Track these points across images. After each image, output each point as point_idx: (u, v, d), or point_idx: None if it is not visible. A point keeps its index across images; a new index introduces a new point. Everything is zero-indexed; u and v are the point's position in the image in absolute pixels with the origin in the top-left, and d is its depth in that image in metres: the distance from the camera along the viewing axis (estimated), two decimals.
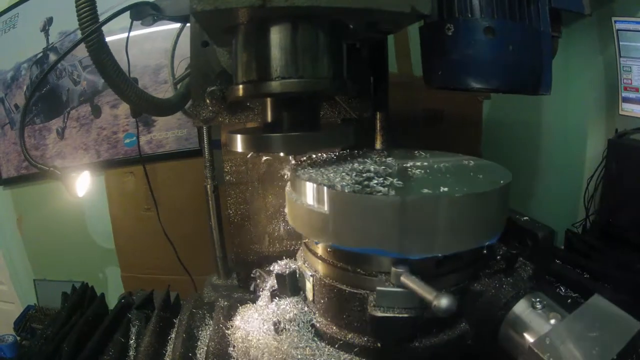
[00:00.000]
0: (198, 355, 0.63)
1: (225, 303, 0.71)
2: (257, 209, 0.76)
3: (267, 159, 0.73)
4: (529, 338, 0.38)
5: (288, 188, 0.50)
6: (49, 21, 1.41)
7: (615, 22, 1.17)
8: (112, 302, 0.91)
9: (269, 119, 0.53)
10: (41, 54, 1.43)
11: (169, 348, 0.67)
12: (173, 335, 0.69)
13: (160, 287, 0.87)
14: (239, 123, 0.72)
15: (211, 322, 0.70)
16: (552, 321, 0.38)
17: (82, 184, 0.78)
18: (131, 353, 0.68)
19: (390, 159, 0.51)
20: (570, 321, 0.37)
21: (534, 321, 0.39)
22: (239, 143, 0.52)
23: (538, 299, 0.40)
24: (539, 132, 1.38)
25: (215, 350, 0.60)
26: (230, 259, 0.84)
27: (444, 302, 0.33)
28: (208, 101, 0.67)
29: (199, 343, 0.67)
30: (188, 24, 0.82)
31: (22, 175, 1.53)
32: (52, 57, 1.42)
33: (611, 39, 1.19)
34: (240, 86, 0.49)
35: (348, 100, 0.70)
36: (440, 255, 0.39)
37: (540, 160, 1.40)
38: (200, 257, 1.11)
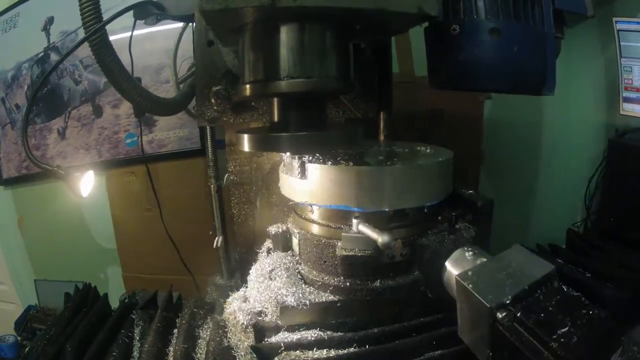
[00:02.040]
0: (199, 354, 0.64)
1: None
2: (261, 209, 0.76)
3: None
4: (456, 272, 0.47)
5: (281, 167, 0.61)
6: (50, 20, 1.40)
7: (616, 22, 1.17)
8: (113, 302, 0.91)
9: (276, 118, 0.53)
10: (42, 54, 1.43)
11: (172, 348, 0.67)
12: (175, 335, 0.69)
13: (162, 288, 0.87)
14: (243, 123, 0.72)
15: (212, 321, 0.71)
16: (478, 262, 0.47)
17: (86, 183, 0.77)
18: (135, 353, 0.68)
19: (370, 147, 0.64)
20: (492, 261, 0.45)
21: (464, 263, 0.48)
22: (246, 142, 0.52)
23: (470, 249, 0.49)
24: (540, 131, 1.39)
25: (216, 349, 0.60)
26: (234, 259, 0.84)
27: (385, 237, 0.45)
28: (213, 101, 0.67)
29: (199, 342, 0.67)
30: (190, 24, 0.82)
31: (23, 175, 1.52)
32: (53, 57, 1.41)
33: (612, 39, 1.19)
34: (248, 86, 0.49)
35: (353, 100, 0.70)
36: (387, 209, 0.51)
37: (541, 159, 1.40)
38: (201, 257, 1.11)
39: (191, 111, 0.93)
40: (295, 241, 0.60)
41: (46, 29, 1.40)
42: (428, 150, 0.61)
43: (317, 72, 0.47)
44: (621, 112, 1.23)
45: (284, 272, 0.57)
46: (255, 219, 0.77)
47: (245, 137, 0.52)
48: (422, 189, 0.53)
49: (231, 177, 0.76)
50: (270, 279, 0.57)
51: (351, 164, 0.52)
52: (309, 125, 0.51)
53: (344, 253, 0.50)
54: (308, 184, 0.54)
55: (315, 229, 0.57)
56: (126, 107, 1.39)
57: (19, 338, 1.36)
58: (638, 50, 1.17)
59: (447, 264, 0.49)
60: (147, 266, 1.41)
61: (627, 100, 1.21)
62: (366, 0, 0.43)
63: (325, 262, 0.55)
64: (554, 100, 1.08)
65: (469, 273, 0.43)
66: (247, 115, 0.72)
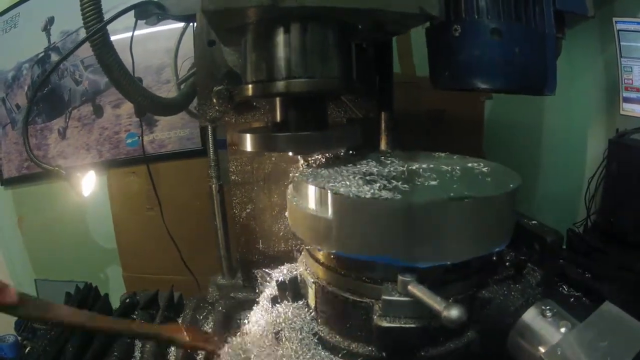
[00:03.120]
0: (200, 355, 0.64)
1: (227, 303, 0.71)
2: (263, 209, 0.76)
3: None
4: (540, 348, 0.37)
5: (289, 190, 0.48)
6: (51, 21, 1.40)
7: (616, 22, 1.18)
8: (113, 302, 0.91)
9: (278, 118, 0.53)
10: (42, 54, 1.43)
11: (173, 347, 0.67)
12: None
13: (162, 287, 0.87)
14: (245, 123, 0.72)
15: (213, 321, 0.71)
16: (563, 329, 0.37)
17: (88, 183, 0.78)
18: (136, 353, 0.68)
19: (395, 160, 0.50)
20: (581, 330, 0.36)
21: (544, 330, 0.38)
22: (248, 142, 0.52)
23: (548, 307, 0.39)
24: (541, 132, 1.39)
25: None
26: (235, 258, 0.84)
27: (454, 312, 0.32)
28: (215, 101, 0.67)
29: None
30: (191, 24, 0.82)
31: (23, 175, 1.52)
32: (54, 57, 1.41)
33: (612, 40, 1.20)
34: (250, 85, 0.49)
35: (354, 100, 0.70)
36: (448, 262, 0.37)
37: (541, 160, 1.41)
38: (203, 257, 1.11)
39: (192, 111, 0.93)
40: (310, 292, 0.46)
41: (47, 29, 1.40)
42: (484, 169, 0.46)
43: (319, 72, 0.46)
44: (621, 112, 1.23)
45: (295, 335, 0.45)
46: (256, 218, 0.77)
47: (247, 137, 0.52)
48: (496, 229, 0.39)
49: (232, 177, 0.76)
50: (277, 341, 0.46)
51: (396, 194, 0.36)
52: (311, 125, 0.51)
53: (385, 324, 0.36)
54: (331, 222, 0.38)
55: (339, 282, 0.42)
56: (127, 107, 1.39)
57: (19, 338, 1.35)
58: (638, 50, 1.17)
59: (519, 325, 0.39)
60: (148, 266, 1.41)
61: (627, 100, 1.22)
62: (368, 0, 0.43)
63: (353, 325, 0.41)
64: (555, 100, 1.08)
65: (559, 351, 0.34)
66: (249, 115, 0.72)
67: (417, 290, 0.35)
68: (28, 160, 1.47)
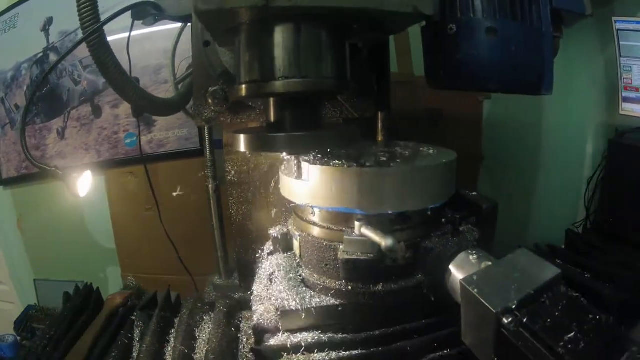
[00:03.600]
0: (198, 354, 0.64)
1: (226, 303, 0.72)
2: (259, 209, 0.76)
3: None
4: (460, 276, 0.46)
5: (282, 167, 0.60)
6: (49, 21, 1.41)
7: (615, 21, 1.17)
8: None
9: (272, 118, 0.53)
10: (41, 54, 1.43)
11: (170, 347, 0.67)
12: (174, 335, 0.69)
13: (160, 287, 0.87)
14: (240, 123, 0.72)
15: (210, 321, 0.71)
16: (482, 265, 0.45)
17: (84, 183, 0.78)
18: (135, 354, 0.68)
19: (368, 147, 0.62)
20: (497, 265, 0.44)
21: (468, 266, 0.47)
22: (242, 143, 0.52)
23: (474, 251, 0.48)
24: (539, 131, 1.38)
25: (216, 349, 0.60)
26: (232, 259, 0.84)
27: (389, 241, 0.43)
28: (210, 101, 0.67)
29: (198, 342, 0.67)
30: (189, 24, 0.82)
31: (23, 175, 1.52)
32: (53, 57, 1.41)
33: (611, 39, 1.19)
34: (244, 86, 0.49)
35: (350, 100, 0.70)
36: (390, 212, 0.50)
37: (540, 159, 1.40)
38: (200, 257, 1.11)
39: (189, 111, 0.93)
40: (296, 244, 0.59)
41: (45, 29, 1.41)
42: (431, 151, 0.60)
43: (313, 72, 0.46)
44: (621, 112, 1.22)
45: (284, 275, 0.56)
46: (253, 219, 0.77)
47: (242, 137, 0.52)
48: (424, 191, 0.51)
49: (229, 177, 0.76)
50: (271, 282, 0.56)
51: (353, 165, 0.50)
52: (306, 125, 0.51)
53: (346, 257, 0.48)
54: (309, 185, 0.52)
55: (316, 232, 0.55)
56: (125, 107, 1.39)
57: (18, 338, 1.36)
58: (638, 49, 1.16)
59: (451, 267, 0.48)
60: (146, 266, 1.41)
61: (627, 100, 1.21)
62: (361, 0, 0.42)
63: (326, 265, 0.53)
64: (554, 100, 1.08)
65: (474, 277, 0.42)
66: (245, 115, 0.72)
67: (367, 230, 0.47)
68: (27, 160, 1.47)
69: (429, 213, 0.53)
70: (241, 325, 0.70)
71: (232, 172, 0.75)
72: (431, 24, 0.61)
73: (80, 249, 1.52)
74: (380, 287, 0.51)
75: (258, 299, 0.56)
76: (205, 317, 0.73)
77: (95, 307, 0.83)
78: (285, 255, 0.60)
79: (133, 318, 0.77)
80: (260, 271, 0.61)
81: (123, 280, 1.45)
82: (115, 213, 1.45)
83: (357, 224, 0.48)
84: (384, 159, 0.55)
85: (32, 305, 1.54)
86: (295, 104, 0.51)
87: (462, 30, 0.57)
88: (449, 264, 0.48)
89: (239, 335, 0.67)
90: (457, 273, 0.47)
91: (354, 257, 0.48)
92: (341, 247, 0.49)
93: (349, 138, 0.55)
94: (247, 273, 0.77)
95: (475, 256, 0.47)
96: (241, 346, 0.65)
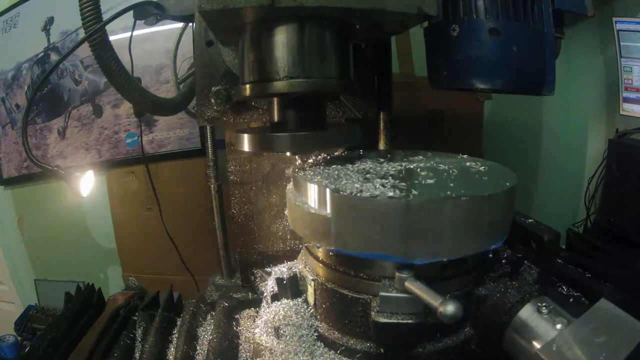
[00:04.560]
0: (200, 354, 0.64)
1: (227, 303, 0.72)
2: (261, 209, 0.76)
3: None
4: (536, 344, 0.37)
5: (289, 188, 0.49)
6: (50, 21, 1.41)
7: (615, 22, 1.18)
8: None
9: (276, 118, 0.53)
10: (42, 54, 1.43)
11: (173, 348, 0.67)
12: (176, 335, 0.69)
13: (162, 287, 0.87)
14: (243, 123, 0.72)
15: (212, 321, 0.70)
16: (559, 326, 0.37)
17: (86, 183, 0.78)
18: (137, 354, 0.68)
19: (393, 159, 0.51)
20: (577, 326, 0.36)
21: (540, 326, 0.38)
22: (245, 142, 0.52)
23: (544, 304, 0.39)
24: (540, 132, 1.39)
25: (216, 349, 0.60)
26: (234, 258, 0.84)
27: (449, 308, 0.32)
28: (213, 101, 0.67)
29: (200, 342, 0.67)
30: (190, 24, 0.82)
31: (23, 175, 1.52)
32: (53, 57, 1.41)
33: (612, 39, 1.19)
34: (247, 86, 0.49)
35: (353, 100, 0.70)
36: (445, 259, 0.38)
37: (541, 160, 1.41)
38: (201, 257, 1.11)
39: (191, 111, 0.93)
40: (310, 289, 0.47)
41: (46, 29, 1.41)
42: (480, 168, 0.46)
43: (317, 72, 0.46)
44: (621, 112, 1.23)
45: (294, 332, 0.45)
46: (255, 218, 0.77)
47: (245, 137, 0.52)
48: (491, 226, 0.39)
49: (231, 177, 0.76)
50: (278, 338, 0.46)
51: (395, 192, 0.37)
52: (309, 125, 0.51)
53: (382, 320, 0.37)
54: (330, 220, 0.39)
55: (338, 279, 0.43)
56: (126, 107, 1.39)
57: (19, 338, 1.36)
58: (638, 50, 1.17)
59: (516, 324, 0.39)
60: (147, 266, 1.41)
61: (627, 100, 1.22)
62: (366, 0, 0.43)
63: (351, 322, 0.42)
64: (554, 100, 1.08)
65: (554, 347, 0.34)
66: (247, 115, 0.72)
67: (414, 287, 0.35)
68: (28, 160, 1.47)
69: (491, 255, 0.42)
70: (241, 324, 0.70)
71: (234, 172, 0.75)
72: (434, 24, 0.61)
73: (80, 249, 1.52)
74: (420, 349, 0.41)
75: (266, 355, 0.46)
76: (207, 317, 0.73)
77: (97, 308, 0.83)
78: (295, 302, 0.48)
79: (135, 318, 0.77)
80: (262, 319, 0.50)
81: (124, 280, 1.45)
82: (116, 213, 1.45)
83: (398, 275, 0.36)
84: (430, 181, 0.41)
85: (33, 306, 1.54)
86: (298, 104, 0.51)
87: (464, 31, 0.57)
88: (511, 319, 0.39)
89: (239, 335, 0.67)
90: (524, 333, 0.38)
91: (392, 320, 0.37)
92: (374, 303, 0.38)
93: (349, 138, 0.54)
94: (249, 273, 0.77)
95: (545, 310, 0.38)
96: (241, 346, 0.65)
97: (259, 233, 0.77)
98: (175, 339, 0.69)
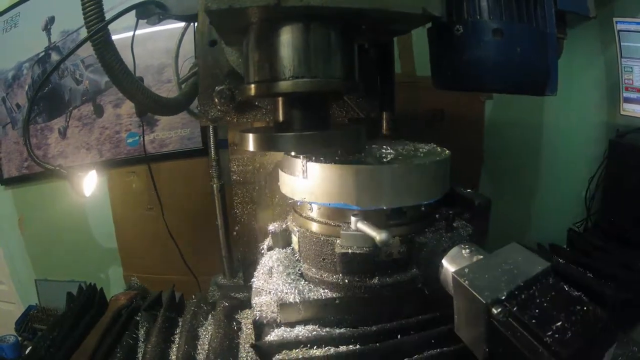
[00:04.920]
0: (201, 353, 0.64)
1: (227, 303, 0.72)
2: (264, 209, 0.76)
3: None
4: (452, 269, 0.47)
5: (281, 165, 0.61)
6: (51, 20, 1.40)
7: (616, 22, 1.18)
8: None
9: (280, 118, 0.53)
10: (43, 53, 1.42)
11: (175, 347, 0.67)
12: (178, 335, 0.69)
13: (163, 287, 0.87)
14: (246, 122, 0.72)
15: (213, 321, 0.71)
16: (474, 259, 0.47)
17: (89, 183, 0.77)
18: (139, 354, 0.68)
19: (371, 145, 0.62)
20: (488, 258, 0.46)
21: (460, 260, 0.48)
22: (250, 142, 0.52)
23: (467, 246, 0.50)
24: (541, 131, 1.39)
25: (217, 349, 0.60)
26: (236, 258, 0.84)
27: (383, 235, 0.45)
28: (216, 100, 0.67)
29: (201, 342, 0.67)
30: (192, 24, 0.82)
31: (24, 174, 1.52)
32: (54, 57, 1.41)
33: (612, 40, 1.20)
34: (252, 85, 0.49)
35: (356, 100, 0.71)
36: (385, 207, 0.51)
37: (541, 159, 1.41)
38: (203, 257, 1.11)
39: (194, 111, 0.93)
40: (294, 239, 0.60)
41: (47, 28, 1.40)
42: (427, 149, 0.62)
43: (322, 72, 0.47)
44: (621, 112, 1.23)
45: (283, 270, 0.57)
46: (257, 218, 0.77)
47: (250, 136, 0.52)
48: (419, 187, 0.53)
49: (234, 177, 0.76)
50: (270, 276, 0.58)
51: (350, 162, 0.52)
52: (314, 124, 0.51)
53: (343, 250, 0.50)
54: (307, 182, 0.54)
55: (314, 227, 0.57)
56: (127, 106, 1.39)
57: (19, 338, 1.35)
58: (638, 50, 1.17)
59: (444, 261, 0.50)
60: (149, 266, 1.41)
61: (628, 100, 1.22)
62: (371, 0, 0.43)
63: (324, 259, 0.55)
64: (555, 100, 1.08)
65: (465, 270, 0.43)
66: (251, 115, 0.72)
67: (362, 225, 0.48)
68: (28, 159, 1.47)
69: (423, 209, 0.55)
70: (242, 323, 0.70)
71: (237, 172, 0.75)
72: (438, 25, 0.61)
73: (81, 249, 1.52)
74: (376, 280, 0.52)
75: (257, 292, 0.57)
76: (208, 317, 0.73)
77: (99, 308, 0.83)
78: (284, 250, 0.62)
79: (137, 318, 0.77)
80: (259, 265, 0.62)
81: (125, 280, 1.45)
82: (117, 213, 1.45)
83: (353, 219, 0.50)
84: (382, 156, 0.57)
85: (33, 306, 1.53)
86: (303, 103, 0.51)
87: (468, 32, 0.57)
88: (442, 258, 0.50)
89: (240, 334, 0.67)
90: (449, 266, 0.48)
91: (350, 250, 0.50)
92: (338, 241, 0.51)
93: (356, 138, 0.55)
94: (252, 273, 0.77)
95: (467, 250, 0.49)
96: (241, 346, 0.65)
97: (261, 233, 0.77)
98: (177, 338, 0.69)
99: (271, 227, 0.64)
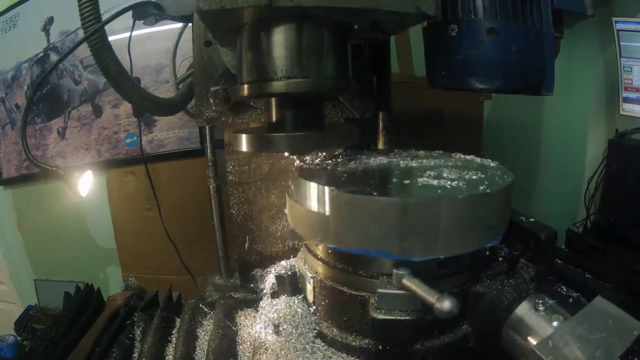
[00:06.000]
0: (199, 354, 0.64)
1: (226, 303, 0.72)
2: (260, 209, 0.76)
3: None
4: (532, 340, 0.38)
5: (289, 189, 0.50)
6: (50, 21, 1.41)
7: (615, 22, 1.17)
8: None
9: (274, 118, 0.53)
10: (42, 54, 1.43)
11: (172, 347, 0.67)
12: (175, 335, 0.69)
13: (161, 287, 0.87)
14: (242, 123, 0.72)
15: (211, 321, 0.71)
16: (555, 323, 0.37)
17: (85, 183, 0.78)
18: (135, 354, 0.68)
19: (392, 159, 0.52)
20: (573, 323, 0.37)
21: (536, 323, 0.38)
22: (243, 142, 0.52)
23: (541, 301, 0.40)
24: (540, 132, 1.39)
25: (216, 349, 0.60)
26: (233, 258, 0.84)
27: (446, 304, 0.33)
28: (212, 101, 0.67)
29: (199, 342, 0.67)
30: (189, 24, 0.82)
31: (23, 175, 1.52)
32: (53, 57, 1.41)
33: (612, 40, 1.19)
34: (245, 86, 0.49)
35: (351, 100, 0.70)
36: (442, 257, 0.39)
37: (541, 160, 1.40)
38: (201, 257, 1.10)
39: (190, 111, 0.93)
40: (309, 287, 0.48)
41: (46, 29, 1.41)
42: (475, 165, 0.48)
43: (315, 72, 0.46)
44: (621, 112, 1.23)
45: (294, 329, 0.45)
46: (254, 219, 0.77)
47: (243, 137, 0.52)
48: (487, 225, 0.39)
49: (230, 177, 0.76)
50: (278, 335, 0.46)
51: (392, 191, 0.39)
52: (307, 125, 0.51)
53: (381, 316, 0.38)
54: (329, 219, 0.40)
55: (336, 276, 0.44)
56: (126, 107, 1.39)
57: (18, 338, 1.36)
58: (638, 50, 1.17)
59: (514, 319, 0.39)
60: (147, 266, 1.41)
61: (627, 100, 1.21)
62: None
63: (350, 319, 0.43)
64: (554, 100, 1.08)
65: (550, 344, 0.34)
66: (246, 115, 0.72)
67: (411, 283, 0.36)
68: (27, 160, 1.47)
69: (488, 253, 0.43)
70: (241, 324, 0.70)
71: (233, 172, 0.75)
72: (433, 24, 0.61)
73: (80, 249, 1.52)
74: (418, 346, 0.41)
75: (265, 352, 0.47)
76: (206, 317, 0.73)
77: (96, 308, 0.83)
78: (294, 300, 0.49)
79: (134, 318, 0.77)
80: (261, 317, 0.51)
81: (123, 280, 1.45)
82: (116, 213, 1.45)
83: (396, 273, 0.37)
84: (428, 180, 0.42)
85: (32, 306, 1.54)
86: (296, 103, 0.51)
87: (463, 31, 0.57)
88: (509, 315, 0.40)
89: (239, 335, 0.67)
90: (521, 330, 0.39)
91: (390, 316, 0.38)
92: (372, 300, 0.39)
93: (349, 138, 0.54)
94: (248, 273, 0.77)
95: (542, 307, 0.39)
96: (240, 346, 0.65)
97: (258, 233, 0.77)
98: (174, 339, 0.69)
99: (276, 269, 0.53)
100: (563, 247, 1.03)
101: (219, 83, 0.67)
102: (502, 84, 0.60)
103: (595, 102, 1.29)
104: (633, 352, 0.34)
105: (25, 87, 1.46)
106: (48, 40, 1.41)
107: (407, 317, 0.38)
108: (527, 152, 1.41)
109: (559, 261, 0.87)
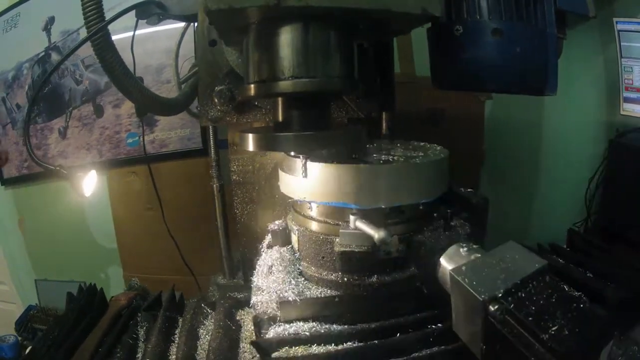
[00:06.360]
0: (200, 354, 0.64)
1: (227, 303, 0.72)
2: (264, 209, 0.76)
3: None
4: (450, 267, 0.47)
5: (281, 165, 0.62)
6: (51, 20, 1.40)
7: (616, 22, 1.18)
8: None
9: (280, 118, 0.53)
10: (43, 53, 1.43)
11: (175, 347, 0.67)
12: (178, 335, 0.69)
13: (163, 287, 0.87)
14: (246, 122, 0.72)
15: (213, 321, 0.71)
16: (472, 257, 0.47)
17: (89, 183, 0.78)
18: (139, 355, 0.68)
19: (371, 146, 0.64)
20: (486, 256, 0.46)
21: (458, 258, 0.49)
22: (250, 142, 0.52)
23: (464, 244, 0.50)
24: (541, 131, 1.39)
25: (217, 349, 0.60)
26: (236, 258, 0.84)
27: (381, 233, 0.45)
28: (216, 100, 0.67)
29: (201, 342, 0.67)
30: (192, 24, 0.82)
31: (24, 175, 1.52)
32: (54, 57, 1.41)
33: (612, 40, 1.20)
34: (252, 85, 0.49)
35: (355, 100, 0.71)
36: (384, 206, 0.52)
37: (541, 159, 1.41)
38: (203, 257, 1.11)
39: (193, 111, 0.93)
40: (294, 237, 0.61)
41: (47, 28, 1.40)
42: (427, 149, 0.62)
43: (321, 72, 0.47)
44: (621, 112, 1.23)
45: (282, 268, 0.58)
46: (257, 218, 0.77)
47: (250, 136, 0.52)
48: (417, 186, 0.54)
49: (233, 177, 0.76)
50: (270, 274, 0.58)
51: (349, 162, 0.53)
52: (313, 124, 0.52)
53: (342, 249, 0.51)
54: (307, 181, 0.54)
55: (313, 226, 0.58)
56: (127, 106, 1.39)
57: (19, 338, 1.35)
58: (638, 50, 1.17)
59: (442, 259, 0.50)
60: (148, 266, 1.41)
61: (628, 100, 1.22)
62: (371, 0, 0.43)
63: (323, 258, 0.56)
64: (555, 100, 1.08)
65: (463, 268, 0.43)
66: (250, 115, 0.72)
67: (361, 223, 0.49)
68: (28, 160, 1.47)
69: (421, 208, 0.55)
70: (242, 322, 0.70)
71: (237, 172, 0.75)
72: (437, 25, 0.61)
73: (81, 249, 1.52)
74: (374, 278, 0.53)
75: (257, 290, 0.58)
76: (208, 317, 0.73)
77: (99, 308, 0.83)
78: (284, 248, 0.62)
79: (138, 318, 0.77)
80: (259, 263, 0.62)
81: (125, 280, 1.45)
82: (117, 213, 1.45)
83: (351, 217, 0.50)
84: (381, 156, 0.57)
85: (33, 306, 1.54)
86: (303, 103, 0.51)
87: (468, 32, 0.57)
88: (440, 257, 0.50)
89: (240, 334, 0.67)
90: (447, 264, 0.49)
91: (349, 249, 0.50)
92: (337, 240, 0.52)
93: (355, 138, 0.55)
94: (251, 272, 0.77)
95: (465, 249, 0.49)
96: (242, 345, 0.65)
97: (261, 233, 0.77)
98: (177, 338, 0.69)
99: (271, 226, 0.64)
100: (565, 246, 1.03)
101: (223, 83, 0.67)
102: (506, 85, 0.60)
103: (595, 102, 1.29)
104: (532, 279, 0.41)
105: (26, 87, 1.46)
106: (49, 39, 1.41)
107: (361, 250, 0.50)
108: (528, 152, 1.41)
109: (561, 260, 0.88)
